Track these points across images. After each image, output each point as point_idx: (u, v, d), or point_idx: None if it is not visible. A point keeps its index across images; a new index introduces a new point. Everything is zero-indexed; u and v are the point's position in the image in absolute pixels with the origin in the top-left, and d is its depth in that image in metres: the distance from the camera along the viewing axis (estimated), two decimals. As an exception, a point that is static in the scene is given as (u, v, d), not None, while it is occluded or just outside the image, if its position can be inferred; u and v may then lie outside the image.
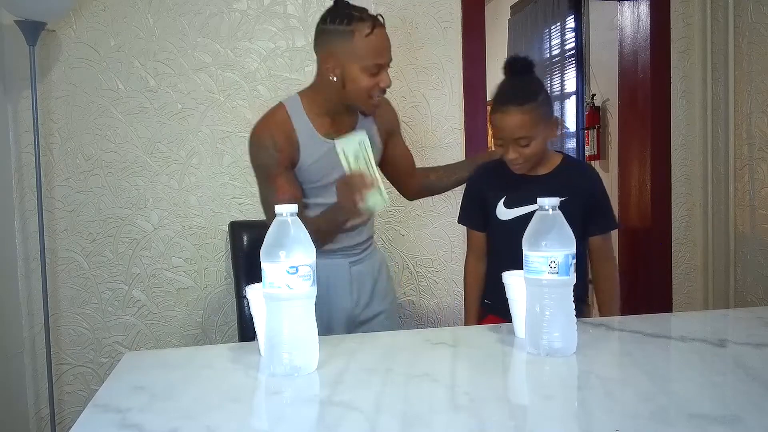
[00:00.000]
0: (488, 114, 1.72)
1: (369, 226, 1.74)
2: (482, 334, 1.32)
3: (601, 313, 1.65)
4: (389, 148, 1.78)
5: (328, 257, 1.60)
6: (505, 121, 1.55)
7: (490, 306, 1.70)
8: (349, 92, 1.53)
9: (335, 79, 1.53)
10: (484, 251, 1.72)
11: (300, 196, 1.58)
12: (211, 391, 0.98)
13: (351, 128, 1.62)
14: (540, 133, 1.56)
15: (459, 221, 1.79)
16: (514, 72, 1.60)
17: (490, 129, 1.68)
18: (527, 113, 1.53)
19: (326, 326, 1.56)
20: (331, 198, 1.55)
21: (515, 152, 1.56)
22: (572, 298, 1.08)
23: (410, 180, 1.87)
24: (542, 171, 1.64)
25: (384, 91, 1.57)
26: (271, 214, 1.58)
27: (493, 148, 1.74)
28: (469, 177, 1.77)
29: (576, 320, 1.09)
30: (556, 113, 4.43)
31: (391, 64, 1.57)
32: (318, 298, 1.62)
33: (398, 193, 1.92)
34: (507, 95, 1.56)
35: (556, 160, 1.66)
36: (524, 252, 1.08)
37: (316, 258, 1.63)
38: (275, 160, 1.54)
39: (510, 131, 1.54)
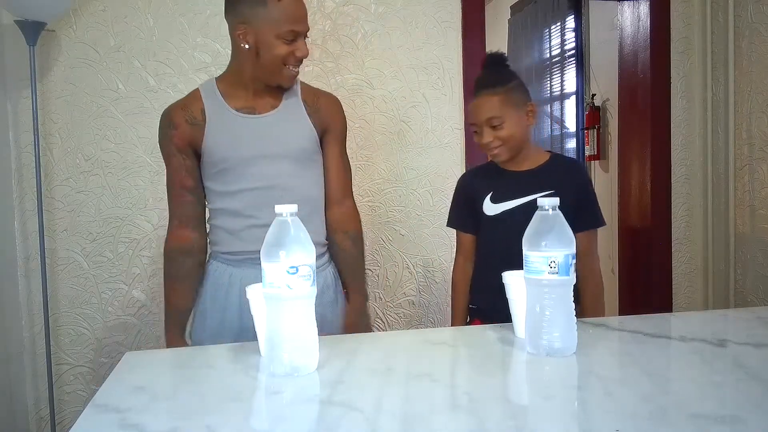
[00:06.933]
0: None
1: (317, 230, 1.53)
2: (482, 334, 1.32)
3: (585, 311, 1.59)
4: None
5: (252, 266, 1.39)
6: (476, 106, 1.61)
7: (475, 310, 1.69)
8: (263, 62, 1.45)
9: (248, 47, 1.44)
10: (473, 253, 1.72)
11: (192, 187, 1.50)
12: (211, 391, 0.98)
13: (273, 107, 1.52)
14: (513, 115, 1.58)
15: (448, 224, 1.79)
16: (488, 65, 1.67)
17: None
18: (496, 95, 1.58)
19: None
20: (237, 185, 1.47)
21: (489, 135, 1.59)
22: (572, 298, 1.08)
23: (327, 210, 1.58)
24: (529, 166, 1.64)
25: (300, 61, 1.48)
26: (170, 198, 1.51)
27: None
28: (460, 179, 1.78)
29: (576, 320, 1.09)
30: (556, 113, 4.43)
31: (308, 33, 1.49)
32: (236, 321, 1.43)
33: (393, 193, 1.87)
34: (479, 84, 1.64)
35: (544, 156, 1.66)
36: (524, 252, 1.08)
37: (237, 267, 1.47)
38: (170, 139, 1.48)
39: (481, 114, 1.59)
